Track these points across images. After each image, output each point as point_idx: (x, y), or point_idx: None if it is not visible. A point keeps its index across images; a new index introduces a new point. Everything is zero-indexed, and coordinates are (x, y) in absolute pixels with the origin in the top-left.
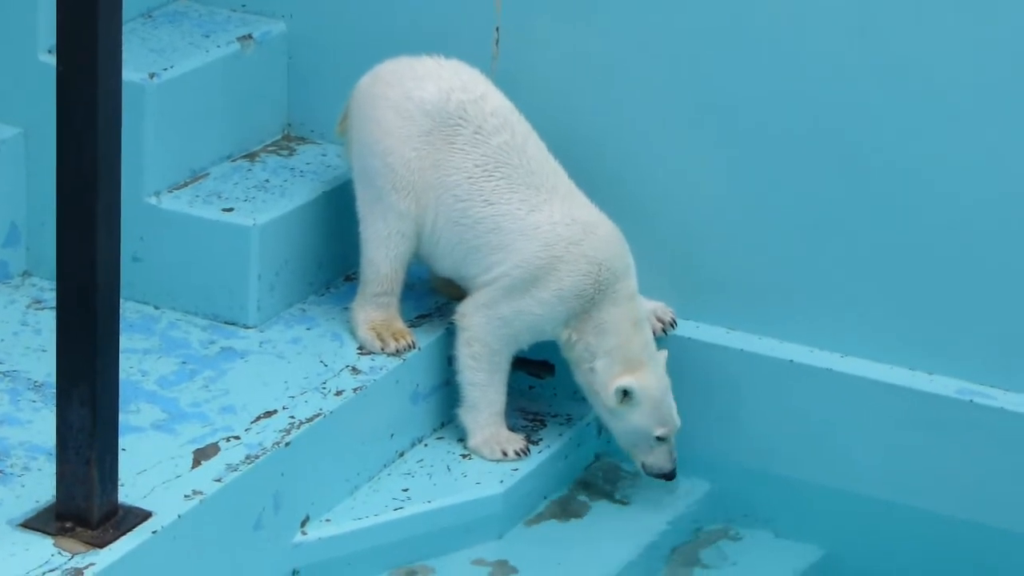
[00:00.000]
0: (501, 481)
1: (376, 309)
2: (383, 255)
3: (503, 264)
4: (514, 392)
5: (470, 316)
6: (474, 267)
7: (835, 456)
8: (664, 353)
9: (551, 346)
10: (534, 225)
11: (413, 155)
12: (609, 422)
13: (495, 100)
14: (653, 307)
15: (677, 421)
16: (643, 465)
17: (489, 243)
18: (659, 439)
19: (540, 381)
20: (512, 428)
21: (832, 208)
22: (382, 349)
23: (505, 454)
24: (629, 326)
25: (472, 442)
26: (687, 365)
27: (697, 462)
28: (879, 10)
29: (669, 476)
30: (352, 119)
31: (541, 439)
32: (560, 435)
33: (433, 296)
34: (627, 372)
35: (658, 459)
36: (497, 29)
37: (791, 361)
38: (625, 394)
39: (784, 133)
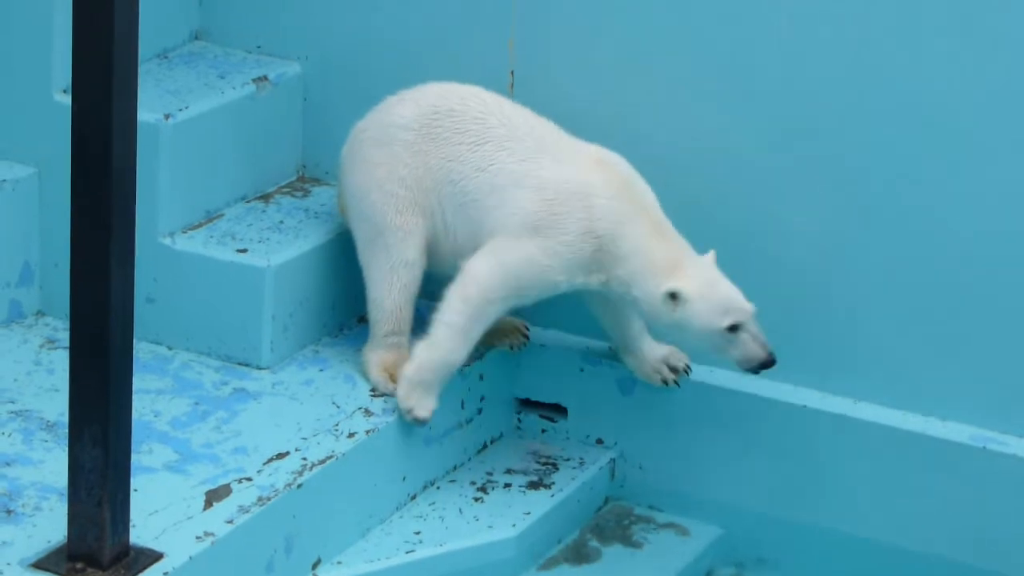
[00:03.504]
0: (514, 525)
1: (387, 350)
2: (387, 291)
3: (503, 215)
4: (527, 435)
5: (474, 261)
6: (486, 234)
7: (847, 502)
8: (711, 253)
9: (564, 389)
10: (524, 173)
11: (406, 172)
12: (687, 338)
13: (469, 89)
14: (666, 353)
15: (746, 305)
16: (739, 364)
17: (489, 205)
18: (732, 329)
19: (553, 424)
20: (524, 471)
21: (845, 254)
22: (394, 391)
23: (409, 411)
24: (647, 239)
25: (404, 374)
26: (701, 409)
27: (709, 506)
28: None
29: (766, 364)
30: (342, 175)
31: (553, 483)
32: (572, 479)
33: None
34: (665, 278)
35: (746, 351)
36: (512, 73)
37: (804, 406)
38: (673, 297)
39: (795, 176)
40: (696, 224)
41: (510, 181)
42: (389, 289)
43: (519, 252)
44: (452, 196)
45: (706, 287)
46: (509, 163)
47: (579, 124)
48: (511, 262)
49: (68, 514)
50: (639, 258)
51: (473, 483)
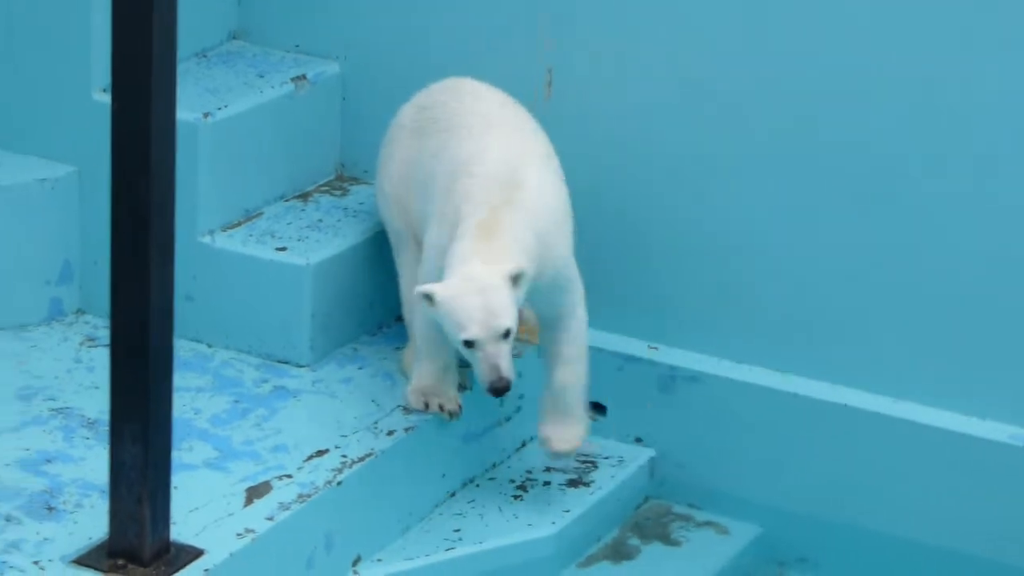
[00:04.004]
0: (553, 523)
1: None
2: (410, 290)
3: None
4: None
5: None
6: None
7: (888, 501)
8: (511, 265)
9: (603, 387)
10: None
11: (403, 169)
12: None
13: (461, 81)
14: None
15: (473, 328)
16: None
17: (431, 191)
18: (468, 344)
19: (592, 422)
20: (563, 469)
21: (887, 252)
22: (425, 408)
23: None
24: (470, 230)
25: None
26: (741, 407)
27: (749, 505)
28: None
29: (492, 390)
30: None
31: (593, 481)
32: (612, 477)
33: None
34: (447, 275)
35: (479, 371)
36: (550, 70)
37: (845, 405)
38: (427, 298)
39: (840, 177)
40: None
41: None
42: (411, 289)
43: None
44: (429, 188)
45: (456, 296)
46: (454, 149)
47: (615, 122)
48: (425, 250)
49: (109, 511)
50: (454, 245)
51: (512, 481)
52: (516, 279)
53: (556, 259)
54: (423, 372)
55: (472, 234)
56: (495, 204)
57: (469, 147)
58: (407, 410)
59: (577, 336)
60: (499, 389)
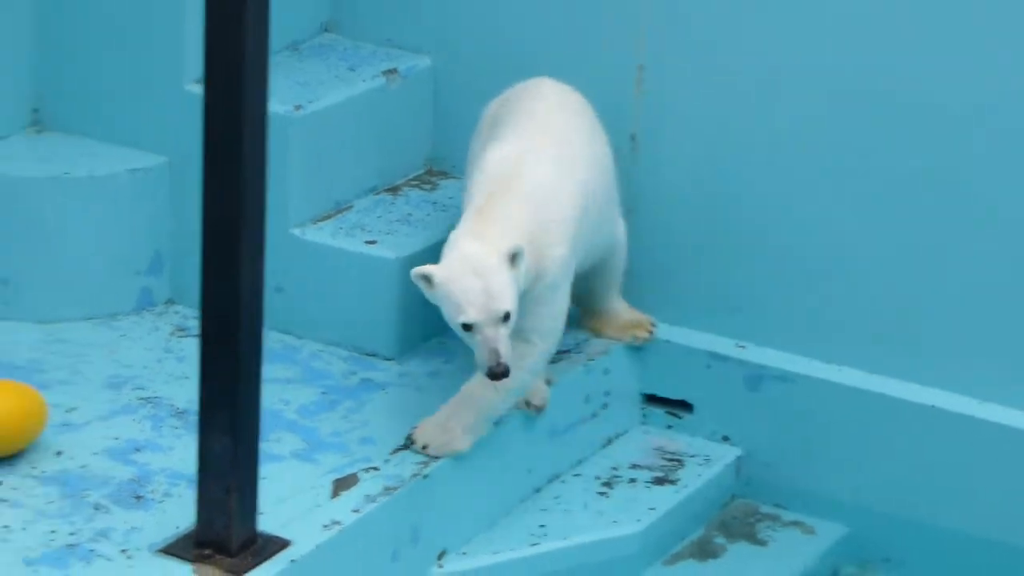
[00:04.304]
0: (638, 520)
1: None
2: None
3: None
4: (652, 431)
5: None
6: None
7: (974, 502)
8: (511, 245)
9: (690, 385)
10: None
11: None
12: None
13: (538, 80)
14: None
15: (471, 311)
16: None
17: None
18: (467, 328)
19: (679, 420)
20: (649, 467)
21: (979, 255)
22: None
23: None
24: (469, 208)
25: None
26: (828, 407)
27: (836, 505)
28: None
29: (491, 375)
30: None
31: (679, 479)
32: (698, 475)
33: (571, 332)
34: (443, 255)
35: (478, 354)
36: (640, 67)
37: (932, 406)
38: (425, 279)
39: (932, 179)
40: (827, 206)
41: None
42: None
43: None
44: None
45: (454, 279)
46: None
47: (704, 121)
48: None
49: (197, 501)
50: (452, 232)
51: (598, 478)
52: (514, 258)
53: (551, 259)
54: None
55: (470, 218)
56: (492, 191)
57: (495, 145)
58: None
59: (523, 368)
60: (497, 374)
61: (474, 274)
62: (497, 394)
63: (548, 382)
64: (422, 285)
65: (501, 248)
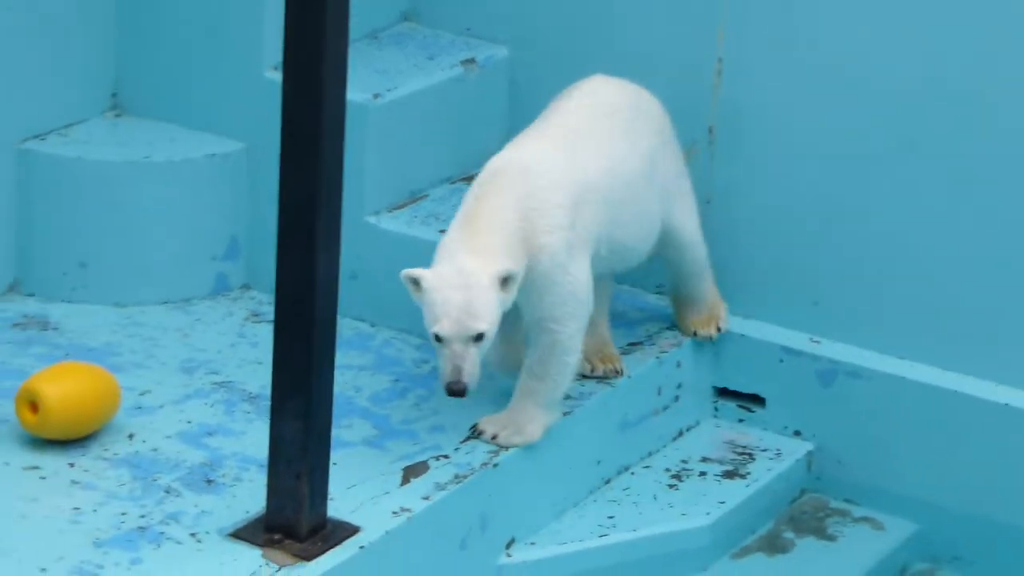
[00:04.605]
0: (708, 513)
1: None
2: None
3: None
4: (723, 424)
5: None
6: None
7: None
8: (501, 267)
9: (762, 379)
10: None
11: None
12: None
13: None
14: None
15: (444, 323)
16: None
17: None
18: (437, 339)
19: (750, 414)
20: (720, 460)
21: None
22: (591, 372)
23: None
24: (460, 216)
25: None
26: (901, 404)
27: (906, 502)
28: None
29: (447, 391)
30: None
31: (749, 473)
32: (769, 470)
33: (644, 324)
34: (437, 261)
35: (440, 366)
36: (720, 60)
37: (1006, 404)
38: (413, 282)
39: (1009, 176)
40: (904, 203)
41: None
42: None
43: None
44: None
45: (440, 288)
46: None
47: (781, 115)
48: None
49: (267, 486)
50: (444, 235)
51: (668, 470)
52: (506, 281)
53: (541, 248)
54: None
55: (458, 222)
56: (478, 194)
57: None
58: (565, 395)
59: (558, 355)
60: (455, 392)
61: (460, 288)
62: (553, 382)
63: (620, 373)
64: (410, 287)
65: (494, 270)
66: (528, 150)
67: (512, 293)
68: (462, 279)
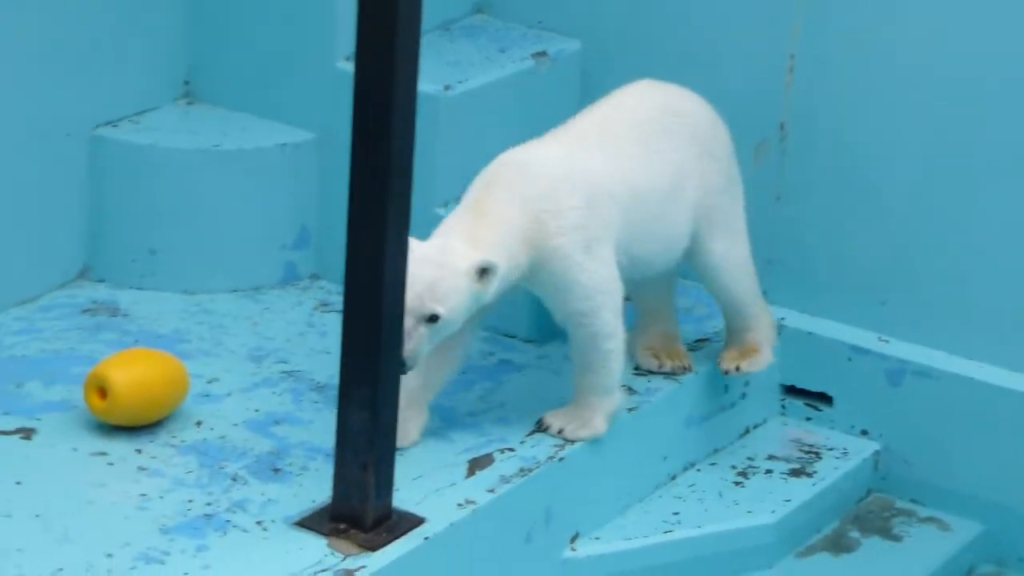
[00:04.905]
0: (773, 511)
1: (652, 331)
2: None
3: None
4: (790, 422)
5: None
6: None
7: None
8: (481, 257)
9: (830, 378)
10: None
11: None
12: None
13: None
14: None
15: (409, 296)
16: None
17: None
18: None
19: (817, 413)
20: (786, 459)
21: None
22: (659, 367)
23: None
24: (466, 200)
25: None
26: (970, 405)
27: (973, 503)
28: None
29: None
30: None
31: (815, 472)
32: (835, 468)
33: (712, 320)
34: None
35: None
36: (792, 56)
37: None
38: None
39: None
40: (976, 204)
41: None
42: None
43: None
44: None
45: (416, 259)
46: None
47: (853, 113)
48: None
49: (334, 475)
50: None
51: (734, 467)
52: (483, 273)
53: (551, 250)
54: (650, 333)
55: (465, 205)
56: (491, 182)
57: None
58: (631, 391)
59: (599, 346)
60: (401, 368)
61: (433, 266)
62: (603, 369)
63: (687, 369)
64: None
65: (475, 258)
66: (543, 150)
67: (489, 288)
68: (439, 258)
